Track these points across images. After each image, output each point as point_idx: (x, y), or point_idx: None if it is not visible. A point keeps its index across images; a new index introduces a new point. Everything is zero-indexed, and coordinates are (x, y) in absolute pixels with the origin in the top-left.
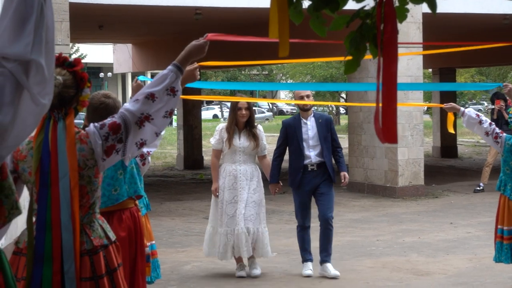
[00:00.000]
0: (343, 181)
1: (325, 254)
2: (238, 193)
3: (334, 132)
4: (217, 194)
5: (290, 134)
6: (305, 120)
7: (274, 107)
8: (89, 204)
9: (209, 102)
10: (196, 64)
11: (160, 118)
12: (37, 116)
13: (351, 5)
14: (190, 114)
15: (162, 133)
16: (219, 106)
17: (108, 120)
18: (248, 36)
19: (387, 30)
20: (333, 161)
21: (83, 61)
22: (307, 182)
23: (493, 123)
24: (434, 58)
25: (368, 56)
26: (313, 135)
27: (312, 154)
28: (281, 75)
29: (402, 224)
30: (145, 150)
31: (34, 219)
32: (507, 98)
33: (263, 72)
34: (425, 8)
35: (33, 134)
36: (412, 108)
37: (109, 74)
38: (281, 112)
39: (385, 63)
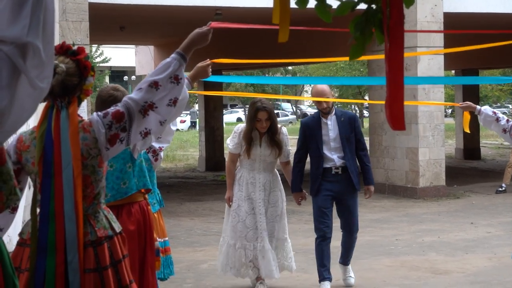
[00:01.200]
0: (366, 196)
1: (345, 258)
2: (257, 204)
3: (358, 132)
4: (231, 203)
5: (309, 136)
6: (325, 120)
7: (298, 111)
8: (93, 195)
9: (233, 106)
10: (208, 61)
11: (164, 107)
12: (35, 100)
13: None
14: (212, 116)
15: (174, 128)
16: (243, 109)
17: (112, 109)
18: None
19: (393, 15)
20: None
21: (107, 64)
22: (329, 186)
23: (510, 120)
24: (456, 59)
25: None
26: (334, 136)
27: (335, 156)
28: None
29: (422, 224)
30: (157, 145)
31: (38, 210)
32: None
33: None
34: (446, 7)
35: (36, 123)
36: (433, 108)
37: (133, 77)
38: (305, 115)
39: (391, 49)
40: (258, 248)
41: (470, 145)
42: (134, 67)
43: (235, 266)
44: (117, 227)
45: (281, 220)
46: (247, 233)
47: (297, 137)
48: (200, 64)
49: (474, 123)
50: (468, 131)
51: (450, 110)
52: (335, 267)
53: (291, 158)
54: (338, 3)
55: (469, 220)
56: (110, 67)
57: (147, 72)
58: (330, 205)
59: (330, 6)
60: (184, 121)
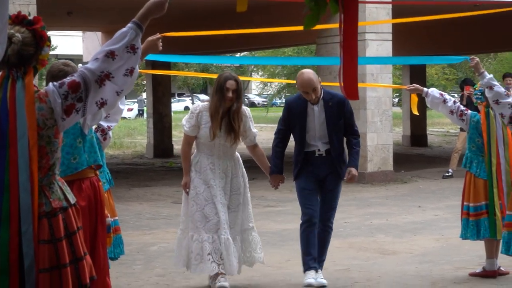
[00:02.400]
0: (346, 176)
1: (319, 259)
2: (217, 192)
3: (349, 116)
4: (188, 190)
5: (293, 119)
6: (311, 105)
7: (245, 99)
8: (48, 165)
9: (180, 94)
10: (159, 35)
11: (121, 76)
12: None
13: None
14: (160, 102)
15: (122, 107)
16: (190, 98)
17: (68, 79)
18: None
19: None
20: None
21: (53, 52)
22: (311, 168)
23: (457, 101)
24: (404, 46)
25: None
26: (320, 124)
27: (319, 142)
28: (252, 66)
29: (370, 207)
30: (105, 124)
31: None
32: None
33: (235, 64)
34: None
35: None
36: (381, 94)
37: (80, 65)
38: (252, 104)
39: (345, 19)
40: (218, 241)
41: (417, 132)
42: (81, 56)
43: (191, 259)
44: (72, 198)
45: (245, 208)
46: (206, 223)
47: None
48: (150, 38)
49: (421, 110)
50: (416, 113)
51: (397, 100)
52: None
53: (262, 140)
54: None
55: (416, 204)
56: (57, 55)
57: None
58: (314, 186)
59: None
60: (132, 109)
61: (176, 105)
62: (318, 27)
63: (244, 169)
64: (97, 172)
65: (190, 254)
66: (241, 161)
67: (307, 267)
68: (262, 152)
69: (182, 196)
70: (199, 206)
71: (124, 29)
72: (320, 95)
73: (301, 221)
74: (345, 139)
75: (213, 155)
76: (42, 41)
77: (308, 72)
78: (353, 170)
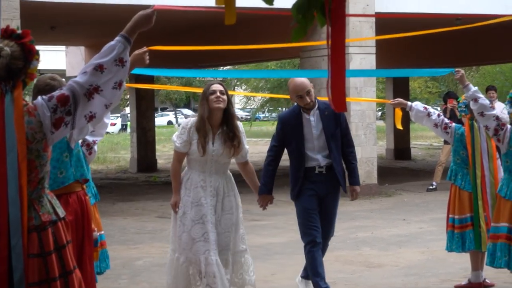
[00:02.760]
0: (351, 197)
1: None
2: (208, 211)
3: (344, 127)
4: (177, 209)
5: (289, 134)
6: (307, 116)
7: None
8: (38, 179)
9: (163, 109)
10: (145, 48)
11: (110, 90)
12: None
13: None
14: (144, 116)
15: (107, 121)
16: (173, 112)
17: (56, 93)
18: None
19: None
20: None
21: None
22: (312, 186)
23: (441, 114)
24: (387, 59)
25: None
26: (318, 134)
27: (319, 156)
28: (235, 80)
29: (355, 220)
30: (90, 139)
31: None
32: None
33: (218, 79)
34: (378, 7)
35: None
36: (365, 107)
37: (63, 80)
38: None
39: (333, 32)
40: (206, 263)
41: (401, 145)
42: (64, 70)
43: (178, 284)
44: (61, 212)
45: (237, 229)
46: (193, 245)
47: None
48: (136, 52)
49: (405, 124)
50: (400, 127)
51: (380, 113)
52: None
53: (254, 157)
54: None
55: (401, 217)
56: (39, 70)
57: (77, 73)
58: (316, 205)
59: None
60: (115, 124)
61: (159, 120)
62: (303, 43)
63: (236, 188)
64: (84, 186)
65: (178, 279)
66: (233, 180)
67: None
68: (253, 169)
69: (171, 214)
70: (186, 227)
71: (112, 43)
72: (315, 104)
73: (304, 243)
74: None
75: (205, 172)
76: (31, 55)
77: (299, 78)
78: (357, 189)
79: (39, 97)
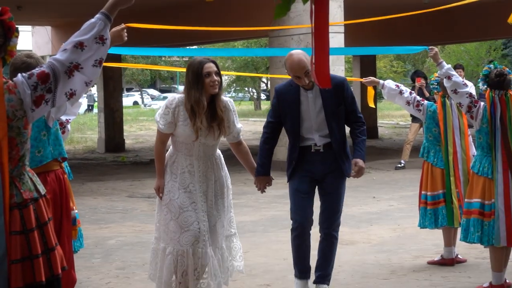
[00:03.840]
0: (352, 171)
1: (323, 273)
2: (198, 199)
3: (350, 102)
4: (161, 195)
5: (284, 109)
6: (305, 92)
7: None
8: (18, 157)
9: (129, 89)
10: (123, 25)
11: (90, 67)
12: None
13: None
14: (111, 97)
15: (81, 100)
16: (139, 92)
17: (37, 70)
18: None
19: None
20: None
21: None
22: (307, 167)
23: (413, 92)
24: (355, 39)
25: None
26: (316, 112)
27: (315, 135)
28: None
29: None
30: (64, 118)
31: None
32: (427, 76)
33: (184, 59)
34: None
35: None
36: None
37: (40, 57)
38: None
39: (316, 7)
40: (198, 255)
41: (368, 124)
42: (30, 51)
43: (163, 276)
44: (42, 189)
45: (228, 212)
46: (181, 234)
47: None
48: (114, 29)
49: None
50: (373, 105)
51: None
52: None
53: (248, 135)
54: None
55: (371, 195)
56: None
57: (45, 53)
58: (309, 188)
59: None
60: (92, 106)
61: (125, 100)
62: (274, 27)
63: (226, 169)
64: (62, 165)
65: (161, 270)
66: (223, 160)
67: (300, 274)
68: (247, 150)
69: (156, 200)
70: (173, 215)
71: (92, 20)
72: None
73: (291, 227)
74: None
75: (192, 155)
76: (10, 32)
77: (298, 53)
78: (360, 162)
79: (19, 75)
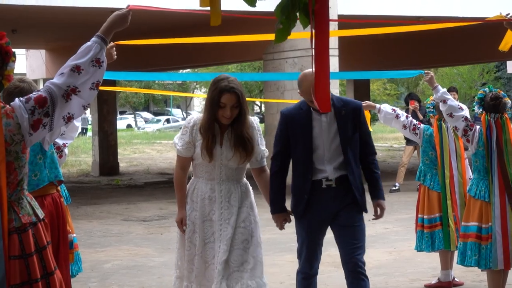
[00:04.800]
0: (377, 214)
1: None
2: (217, 227)
3: (364, 129)
4: (184, 228)
5: (294, 135)
6: (317, 115)
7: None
8: (17, 181)
9: (122, 112)
10: (112, 43)
11: (87, 90)
12: None
13: None
14: (106, 120)
15: (78, 124)
16: (133, 115)
17: (34, 94)
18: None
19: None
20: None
21: None
22: (319, 205)
23: (409, 115)
24: (349, 62)
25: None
26: (330, 139)
27: (328, 167)
28: (195, 83)
29: None
30: (61, 142)
31: None
32: (420, 99)
33: (177, 82)
34: (340, 9)
35: None
36: None
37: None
38: None
39: (316, 33)
40: None
41: None
42: (24, 74)
43: None
44: (40, 213)
45: (255, 248)
46: (206, 269)
47: None
48: None
49: None
50: (371, 129)
51: None
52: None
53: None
54: None
55: (366, 218)
56: None
57: (39, 76)
58: (320, 233)
59: None
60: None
61: (119, 123)
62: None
63: (253, 199)
64: (59, 188)
65: None
66: (250, 190)
67: None
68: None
69: (177, 233)
70: (198, 249)
71: (88, 43)
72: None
73: (298, 269)
74: None
75: (213, 179)
76: (7, 57)
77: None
78: (383, 204)
79: (16, 99)
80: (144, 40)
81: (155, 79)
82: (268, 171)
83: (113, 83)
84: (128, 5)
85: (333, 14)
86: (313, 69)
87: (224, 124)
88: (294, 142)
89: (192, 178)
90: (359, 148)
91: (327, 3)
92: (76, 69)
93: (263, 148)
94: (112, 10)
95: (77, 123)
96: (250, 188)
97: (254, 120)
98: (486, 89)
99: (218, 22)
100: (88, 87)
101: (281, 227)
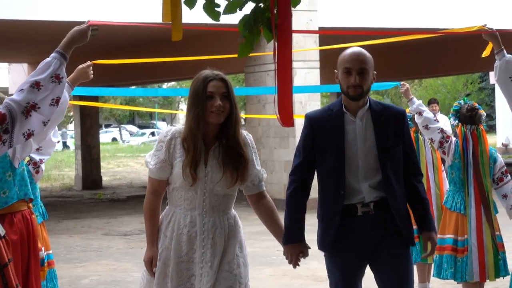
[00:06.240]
0: (426, 249)
1: None
2: (196, 269)
3: (408, 143)
4: (154, 269)
5: (323, 141)
6: (352, 117)
7: None
8: None
9: (107, 125)
10: (89, 62)
11: (47, 107)
12: None
13: None
14: (88, 134)
15: (55, 140)
16: (118, 128)
17: None
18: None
19: (281, 14)
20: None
21: None
22: (355, 236)
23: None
24: (332, 73)
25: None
26: (366, 149)
27: (364, 185)
28: (180, 97)
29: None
30: (37, 157)
31: None
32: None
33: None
34: (321, 22)
35: None
36: None
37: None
38: None
39: (279, 47)
40: None
41: None
42: (7, 88)
43: None
44: (1, 230)
45: None
46: None
47: None
48: (80, 66)
49: None
50: None
51: None
52: None
53: (269, 185)
54: (226, 2)
55: None
56: None
57: None
58: (358, 269)
59: (218, 5)
60: (59, 141)
61: (104, 136)
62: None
63: (243, 238)
64: (30, 205)
65: None
66: (240, 225)
67: None
68: (273, 206)
69: (142, 272)
70: None
71: (48, 59)
72: (366, 100)
73: None
74: None
75: (194, 208)
76: None
77: (359, 48)
78: (433, 235)
79: None
80: (121, 60)
81: (135, 95)
82: (269, 197)
83: (95, 98)
84: (88, 20)
85: (314, 26)
86: (276, 83)
87: (211, 131)
88: (321, 151)
89: (167, 207)
90: (404, 163)
91: (290, 17)
92: (36, 85)
93: (259, 168)
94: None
95: (54, 138)
96: (240, 222)
97: (247, 135)
98: (461, 101)
99: (179, 37)
100: (48, 103)
101: (295, 264)
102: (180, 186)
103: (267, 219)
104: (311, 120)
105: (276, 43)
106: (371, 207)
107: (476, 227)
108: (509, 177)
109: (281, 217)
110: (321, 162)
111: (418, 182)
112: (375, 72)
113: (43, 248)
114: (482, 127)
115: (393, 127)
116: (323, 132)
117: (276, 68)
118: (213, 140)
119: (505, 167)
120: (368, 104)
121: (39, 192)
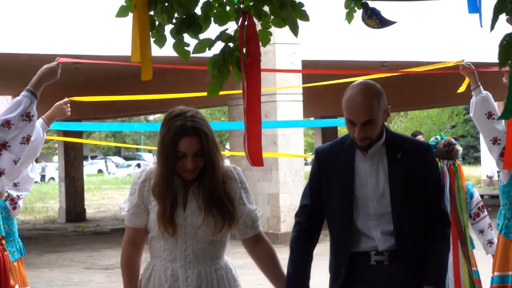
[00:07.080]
0: None
1: None
2: None
3: (433, 184)
4: None
5: (330, 180)
6: (363, 154)
7: None
8: None
9: (93, 157)
10: (66, 99)
11: (17, 145)
12: None
13: (214, 29)
14: (72, 166)
15: (32, 176)
16: (104, 160)
17: None
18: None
19: (250, 53)
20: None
21: None
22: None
23: None
24: (315, 107)
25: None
26: (379, 191)
27: (376, 232)
28: None
29: (285, 268)
30: (15, 193)
31: None
32: None
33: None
34: (304, 55)
35: None
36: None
37: None
38: None
39: (248, 86)
40: None
41: None
42: None
43: None
44: None
45: None
46: None
47: None
48: (57, 103)
49: None
50: None
51: (310, 159)
52: None
53: (267, 227)
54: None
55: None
56: None
57: None
58: None
59: (188, 44)
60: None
61: (89, 168)
62: (222, 92)
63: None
64: (3, 242)
65: None
66: (234, 274)
67: None
68: (271, 250)
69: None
70: None
71: (18, 98)
72: (381, 137)
73: None
74: None
75: (175, 260)
76: None
77: (364, 90)
78: None
79: None
80: (98, 97)
81: (115, 129)
82: (267, 239)
83: (79, 132)
84: (58, 58)
85: (297, 59)
86: (245, 122)
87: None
88: (328, 191)
89: (148, 260)
90: (427, 209)
91: (259, 57)
92: (6, 124)
93: (252, 207)
94: (76, 56)
95: (32, 174)
96: (234, 271)
97: (233, 169)
98: (438, 136)
99: (149, 77)
100: (18, 141)
101: None
102: (158, 235)
103: (266, 265)
104: (318, 155)
105: (245, 83)
106: (386, 257)
107: (453, 263)
108: (485, 212)
109: None
110: (327, 204)
111: (442, 228)
112: (389, 106)
113: (17, 286)
114: (458, 162)
115: (412, 166)
116: (330, 170)
117: (245, 107)
118: (191, 181)
119: (482, 203)
120: (384, 138)
121: (17, 228)
